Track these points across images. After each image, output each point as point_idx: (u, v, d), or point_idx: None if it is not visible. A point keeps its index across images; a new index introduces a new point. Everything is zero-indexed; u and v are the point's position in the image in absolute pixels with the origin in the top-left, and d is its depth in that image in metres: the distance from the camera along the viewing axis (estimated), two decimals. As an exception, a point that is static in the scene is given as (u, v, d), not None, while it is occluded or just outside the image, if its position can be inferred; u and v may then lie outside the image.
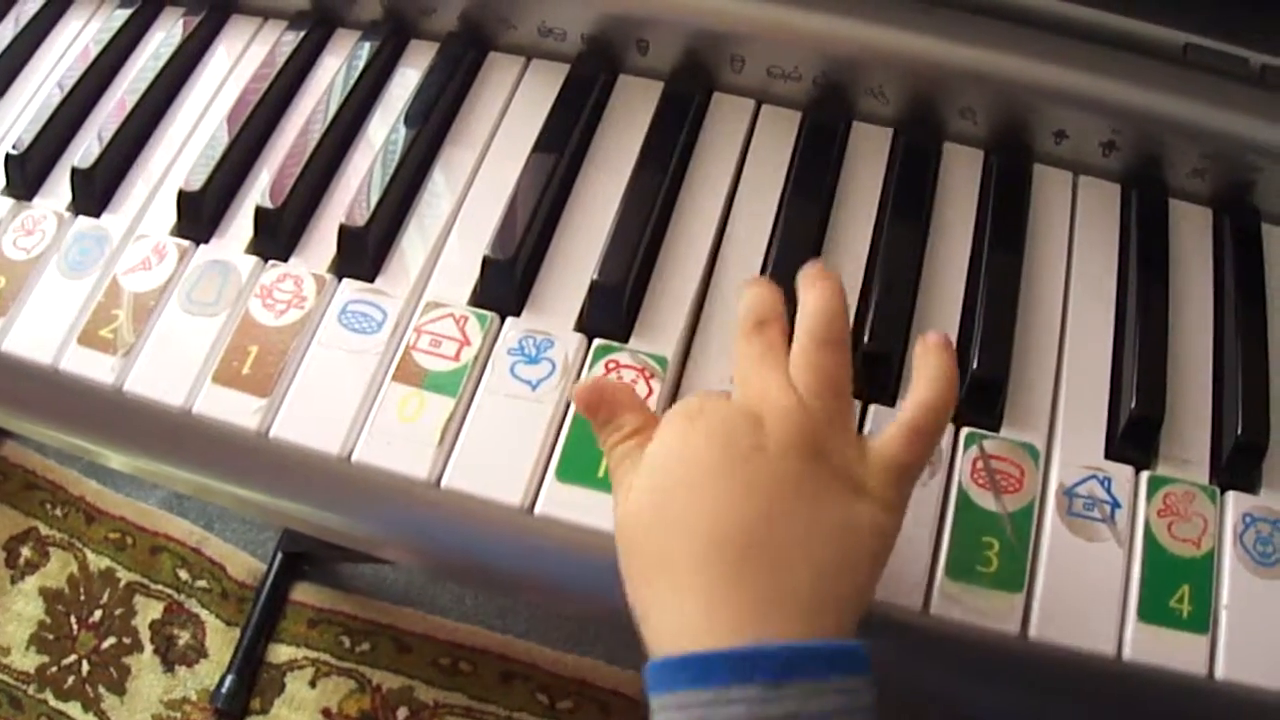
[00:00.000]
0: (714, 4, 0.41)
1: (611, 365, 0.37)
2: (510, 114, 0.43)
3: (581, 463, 0.36)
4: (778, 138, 0.42)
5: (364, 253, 0.39)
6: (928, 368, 0.31)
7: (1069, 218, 0.41)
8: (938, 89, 0.41)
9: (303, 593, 0.78)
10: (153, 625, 0.77)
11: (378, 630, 0.77)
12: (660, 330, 0.38)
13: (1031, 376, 0.38)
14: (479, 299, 0.39)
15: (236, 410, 0.37)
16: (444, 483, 0.36)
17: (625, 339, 0.38)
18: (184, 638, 0.77)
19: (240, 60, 0.46)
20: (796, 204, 0.39)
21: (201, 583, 0.79)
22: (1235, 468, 0.38)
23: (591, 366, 0.37)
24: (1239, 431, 0.38)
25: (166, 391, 0.38)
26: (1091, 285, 0.40)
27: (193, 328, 0.39)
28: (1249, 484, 0.38)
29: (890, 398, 0.37)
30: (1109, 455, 0.37)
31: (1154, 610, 0.35)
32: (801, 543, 0.27)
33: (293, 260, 0.40)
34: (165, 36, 0.46)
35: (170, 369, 0.38)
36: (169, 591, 0.79)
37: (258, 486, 0.38)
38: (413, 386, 0.37)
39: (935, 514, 0.35)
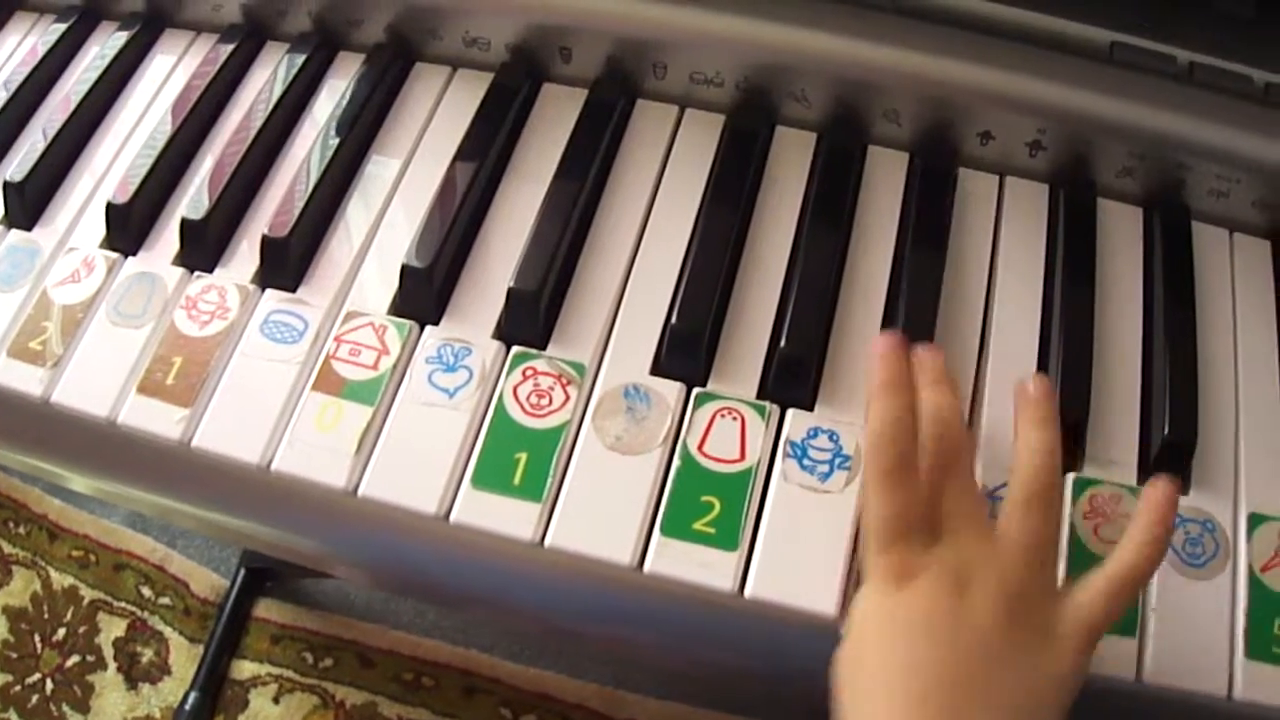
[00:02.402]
0: (635, 11, 0.42)
1: (529, 372, 0.38)
2: (434, 124, 0.44)
3: (497, 470, 0.36)
4: (700, 143, 0.42)
5: (286, 263, 0.40)
6: (1144, 529, 0.32)
7: (994, 219, 0.42)
8: (860, 92, 0.42)
9: (266, 609, 0.79)
10: (116, 643, 0.78)
11: (340, 646, 0.78)
12: (578, 337, 0.39)
13: (954, 380, 0.39)
14: (398, 308, 0.40)
15: (160, 420, 0.38)
16: (361, 491, 0.37)
17: (543, 346, 0.39)
18: (147, 655, 0.78)
19: (173, 74, 0.47)
20: (715, 209, 0.40)
21: (165, 600, 0.80)
22: (1163, 468, 0.38)
23: (508, 374, 0.38)
24: (1166, 431, 0.38)
25: (93, 403, 0.39)
26: (1017, 286, 0.41)
27: (120, 339, 0.40)
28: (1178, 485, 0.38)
29: (809, 403, 0.38)
30: (1034, 458, 0.38)
31: (1080, 615, 0.36)
32: (984, 701, 0.30)
33: (218, 271, 0.41)
34: (100, 50, 0.48)
35: (97, 380, 0.39)
36: (132, 609, 0.80)
37: (180, 496, 0.39)
38: (332, 396, 0.38)
39: (855, 520, 0.36)
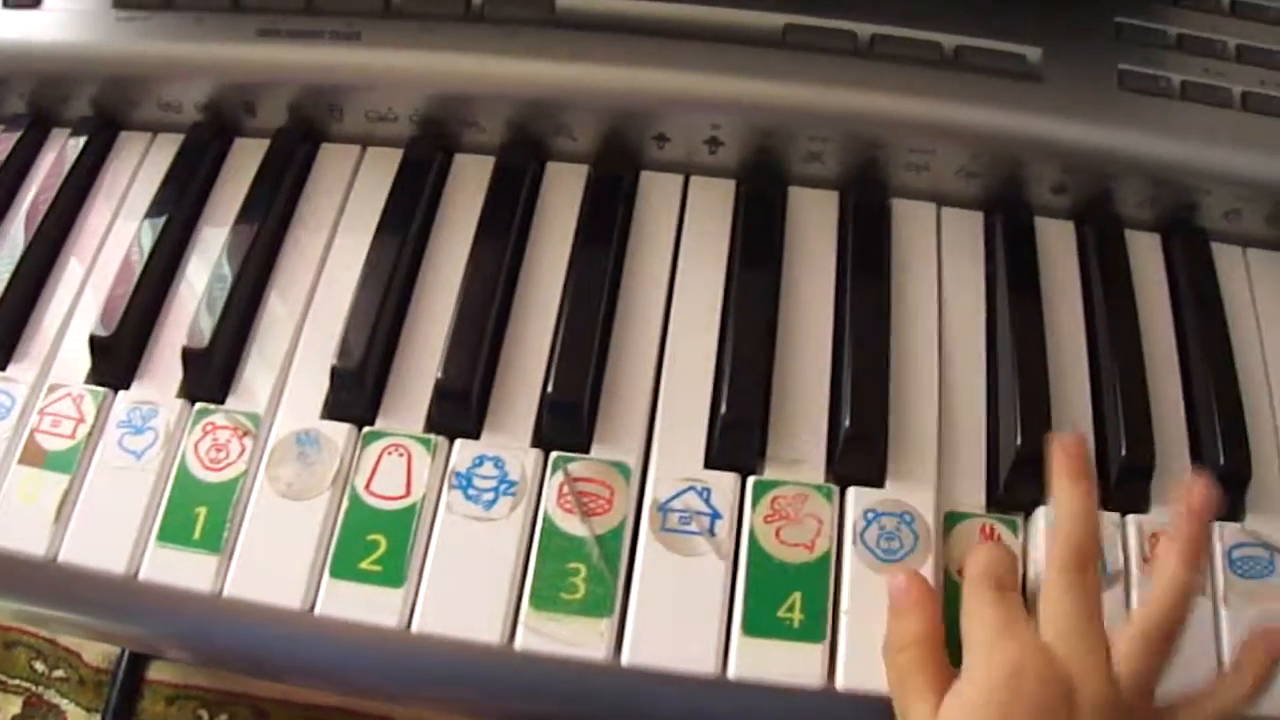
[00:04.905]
0: (301, 58, 0.45)
1: (208, 427, 0.42)
2: (134, 189, 0.47)
3: (179, 526, 0.39)
4: (378, 180, 0.45)
5: (-8, 345, 0.45)
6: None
7: (676, 219, 0.44)
8: (528, 111, 0.44)
9: (158, 670, 0.84)
10: (15, 720, 0.84)
11: (233, 700, 0.82)
12: (254, 388, 0.42)
13: (626, 392, 0.41)
14: (93, 376, 0.44)
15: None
16: (60, 558, 0.40)
17: (222, 400, 0.42)
18: (47, 729, 0.84)
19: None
20: (382, 243, 0.43)
21: (59, 673, 0.85)
22: (850, 462, 0.40)
23: (191, 431, 0.42)
24: (848, 423, 0.39)
25: None
26: (697, 285, 0.43)
27: None
28: (871, 478, 0.40)
29: (476, 432, 0.40)
30: (709, 464, 0.40)
31: (760, 623, 0.37)
32: None
33: (-60, 360, 0.46)
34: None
35: None
36: (27, 685, 0.85)
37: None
38: (34, 467, 0.42)
39: (519, 545, 0.38)
